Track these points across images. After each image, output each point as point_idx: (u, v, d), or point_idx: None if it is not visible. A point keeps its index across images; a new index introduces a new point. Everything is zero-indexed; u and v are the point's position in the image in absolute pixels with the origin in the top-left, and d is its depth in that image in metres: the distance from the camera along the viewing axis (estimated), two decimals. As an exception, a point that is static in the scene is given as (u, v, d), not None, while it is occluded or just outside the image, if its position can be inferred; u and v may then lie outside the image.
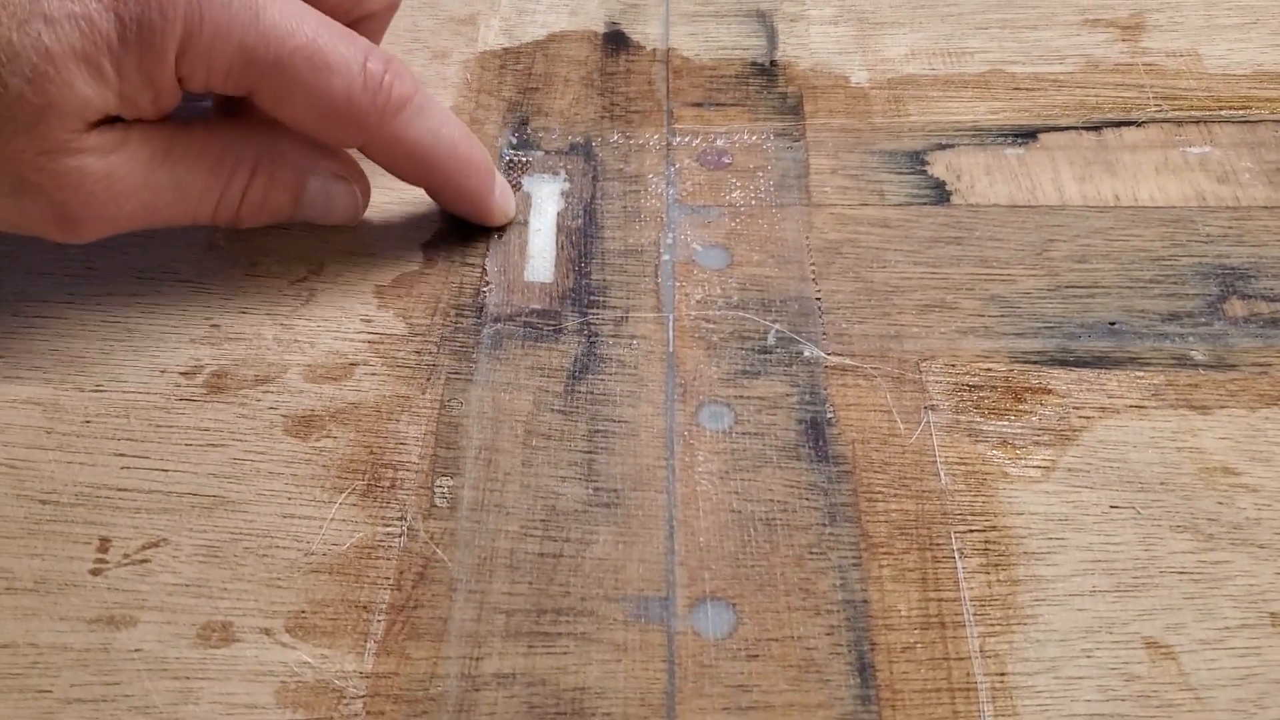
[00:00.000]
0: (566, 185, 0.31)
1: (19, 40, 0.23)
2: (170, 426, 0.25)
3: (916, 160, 0.32)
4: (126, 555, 0.23)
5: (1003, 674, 0.22)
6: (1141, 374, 0.27)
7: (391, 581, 0.23)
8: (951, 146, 0.33)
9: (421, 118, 0.27)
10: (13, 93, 0.23)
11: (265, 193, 0.27)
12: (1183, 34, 0.37)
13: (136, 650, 0.22)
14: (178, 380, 0.26)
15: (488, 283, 0.29)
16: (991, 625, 0.23)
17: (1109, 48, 0.36)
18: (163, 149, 0.25)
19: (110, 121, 0.25)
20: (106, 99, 0.24)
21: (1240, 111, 0.34)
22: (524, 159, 0.32)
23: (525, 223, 0.30)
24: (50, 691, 0.21)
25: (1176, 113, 0.34)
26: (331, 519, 0.24)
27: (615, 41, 0.36)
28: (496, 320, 0.28)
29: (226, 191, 0.27)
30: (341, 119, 0.26)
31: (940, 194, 0.31)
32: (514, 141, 0.33)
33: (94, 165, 0.24)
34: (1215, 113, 0.34)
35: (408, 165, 0.28)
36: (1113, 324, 0.28)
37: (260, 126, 0.27)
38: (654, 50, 0.36)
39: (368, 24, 0.29)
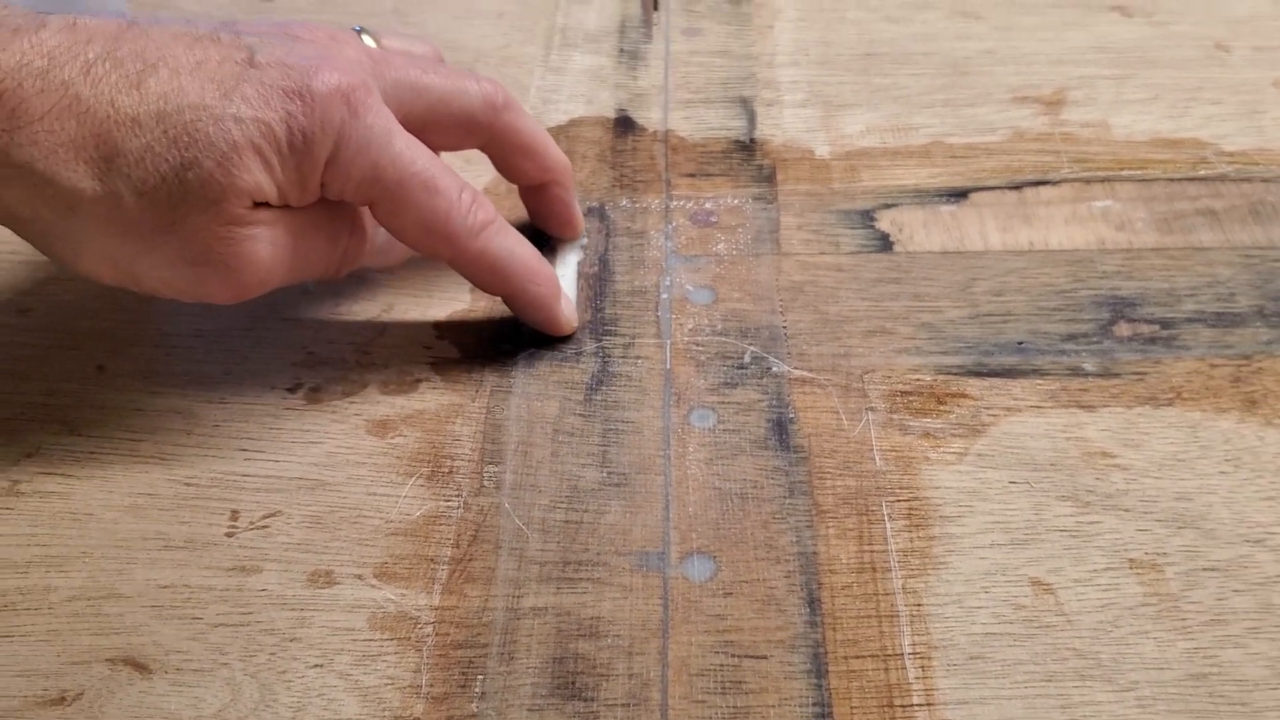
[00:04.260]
0: (585, 240, 0.39)
1: (214, 133, 0.28)
2: (279, 429, 0.33)
3: (866, 217, 0.40)
4: (251, 522, 0.30)
5: (919, 605, 0.29)
6: (1041, 381, 0.34)
7: (451, 541, 0.30)
8: (896, 205, 0.40)
9: (499, 237, 0.33)
10: (205, 173, 0.28)
11: (356, 250, 0.33)
12: (1096, 108, 0.44)
13: (263, 590, 0.29)
14: (283, 394, 0.33)
15: (522, 318, 0.36)
16: (912, 570, 0.30)
17: (1033, 120, 0.43)
18: (298, 226, 0.31)
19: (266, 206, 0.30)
20: (269, 188, 0.29)
21: (1139, 171, 0.41)
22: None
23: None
24: (201, 618, 0.28)
25: (1086, 173, 0.41)
26: (404, 496, 0.31)
27: (624, 125, 0.44)
28: (530, 346, 0.35)
29: (334, 253, 0.33)
30: (440, 234, 0.32)
31: (885, 244, 0.39)
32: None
33: (262, 236, 0.30)
34: (1118, 173, 0.41)
35: (489, 275, 0.33)
36: (1020, 344, 0.35)
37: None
38: (655, 131, 0.44)
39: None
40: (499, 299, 0.35)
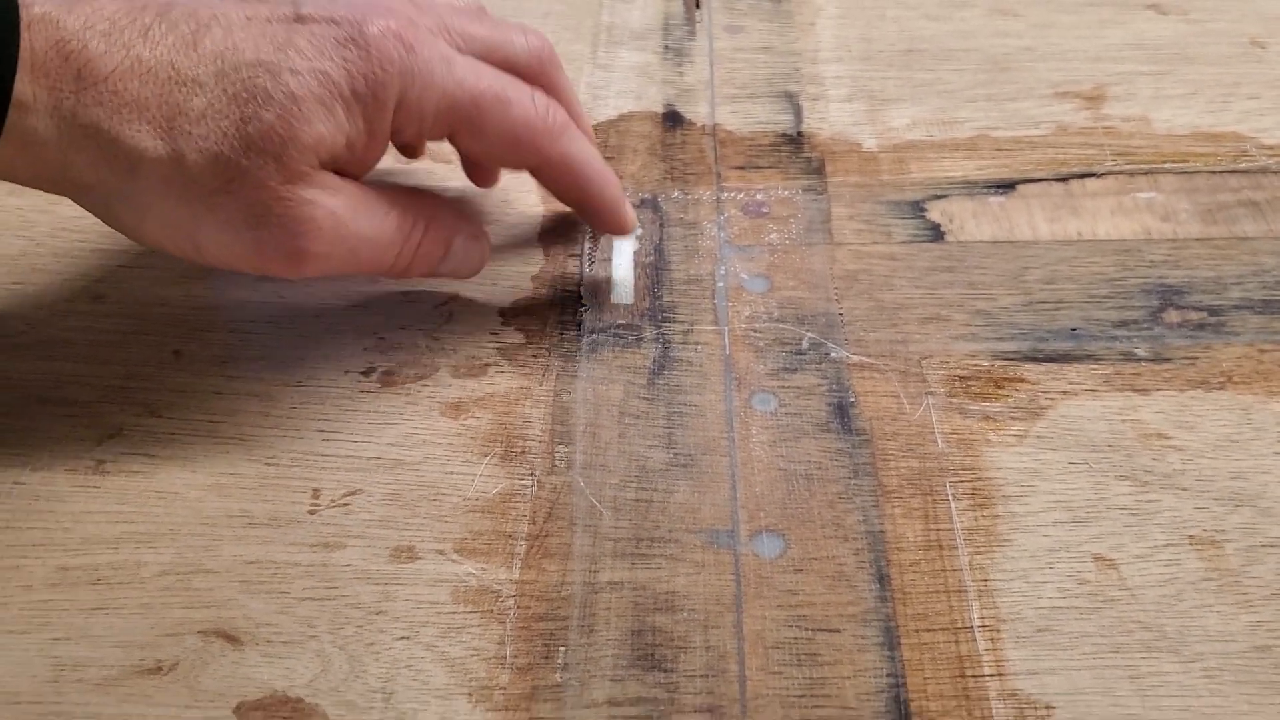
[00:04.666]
0: (640, 231, 0.40)
1: (272, 87, 0.29)
2: (355, 410, 0.33)
3: (917, 208, 0.40)
4: (333, 500, 0.31)
5: (986, 580, 0.30)
6: (1096, 366, 0.35)
7: (528, 517, 0.31)
8: (945, 196, 0.41)
9: (577, 141, 0.34)
10: (265, 125, 0.29)
11: (430, 247, 0.33)
12: (1136, 103, 0.45)
13: (347, 565, 0.30)
14: (358, 378, 0.34)
15: (584, 305, 0.37)
16: (978, 547, 0.31)
17: (1075, 115, 0.44)
18: (367, 202, 0.31)
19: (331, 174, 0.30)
20: (336, 139, 0.29)
21: (1181, 164, 0.42)
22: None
23: (609, 259, 0.38)
24: (288, 592, 0.29)
25: (1129, 166, 0.42)
26: (480, 474, 0.32)
27: (672, 119, 0.45)
28: (592, 332, 0.36)
29: (405, 245, 0.32)
30: (525, 142, 0.32)
31: (936, 234, 0.39)
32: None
33: (324, 201, 0.30)
34: (1160, 165, 0.42)
35: (569, 179, 0.34)
36: (1074, 330, 0.36)
37: (425, 194, 0.34)
38: (704, 126, 0.44)
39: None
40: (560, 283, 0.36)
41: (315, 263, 0.30)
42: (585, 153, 0.35)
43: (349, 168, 0.31)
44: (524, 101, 0.33)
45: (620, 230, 0.37)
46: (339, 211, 0.30)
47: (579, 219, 0.39)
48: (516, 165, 0.35)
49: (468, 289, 0.37)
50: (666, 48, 0.48)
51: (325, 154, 0.30)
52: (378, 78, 0.30)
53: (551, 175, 0.35)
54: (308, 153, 0.29)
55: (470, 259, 0.35)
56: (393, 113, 0.31)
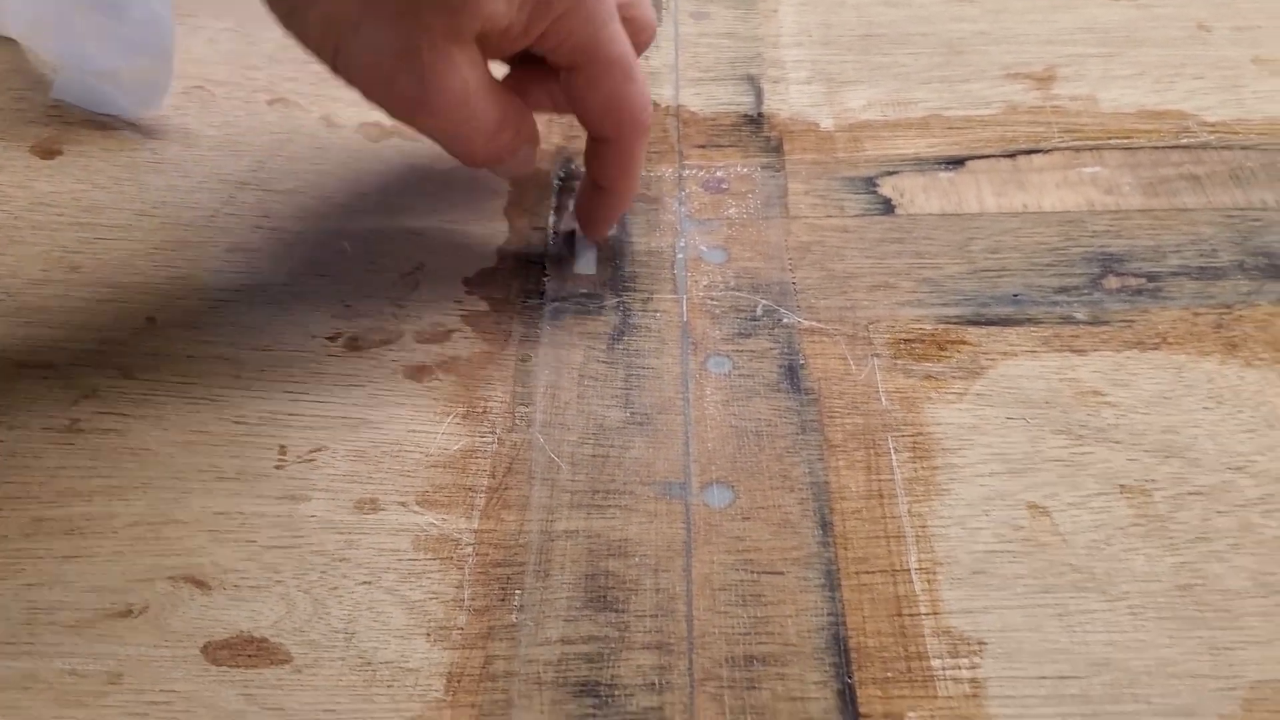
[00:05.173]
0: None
1: None
2: (322, 373, 0.35)
3: (869, 184, 0.42)
4: (299, 456, 0.32)
5: (924, 526, 0.31)
6: (1035, 329, 0.36)
7: (488, 472, 0.32)
8: (897, 173, 0.42)
9: (645, 146, 0.36)
10: None
11: (512, 146, 0.34)
12: (1085, 83, 0.46)
13: (312, 516, 0.31)
14: (324, 343, 0.35)
15: (547, 275, 0.38)
16: (916, 496, 0.32)
17: (1025, 95, 0.46)
18: (492, 88, 0.32)
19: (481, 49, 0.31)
20: (502, 20, 0.30)
21: (1125, 140, 0.43)
22: (570, 186, 0.42)
23: (573, 231, 0.40)
24: (255, 541, 0.30)
25: (1076, 142, 0.43)
26: (442, 432, 0.33)
27: (636, 100, 0.46)
28: (555, 300, 0.37)
29: (497, 139, 0.33)
30: (617, 120, 0.34)
31: (887, 207, 0.41)
32: (562, 175, 0.42)
33: (464, 69, 0.31)
34: (1106, 142, 0.43)
35: (620, 170, 0.36)
36: (1016, 295, 0.38)
37: (516, 98, 0.34)
38: (668, 107, 0.46)
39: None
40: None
41: (427, 119, 0.31)
42: (642, 160, 0.37)
43: (489, 49, 0.32)
44: (643, 87, 0.35)
45: (599, 233, 0.39)
46: (470, 84, 0.31)
47: (542, 193, 0.40)
48: (594, 128, 0.36)
49: (433, 259, 0.38)
50: (632, 33, 0.49)
51: (488, 27, 0.31)
52: None
53: (610, 158, 0.36)
54: (477, 19, 0.30)
55: (526, 165, 0.36)
56: (549, 24, 0.32)
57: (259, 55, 0.46)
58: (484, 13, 0.30)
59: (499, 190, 0.41)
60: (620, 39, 0.34)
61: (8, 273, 0.37)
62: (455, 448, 0.33)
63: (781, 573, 0.30)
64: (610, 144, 0.36)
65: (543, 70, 0.35)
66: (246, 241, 0.39)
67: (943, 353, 0.36)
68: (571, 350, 0.36)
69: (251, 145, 0.43)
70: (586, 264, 0.39)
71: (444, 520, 0.31)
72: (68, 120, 0.43)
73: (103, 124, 0.43)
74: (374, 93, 0.31)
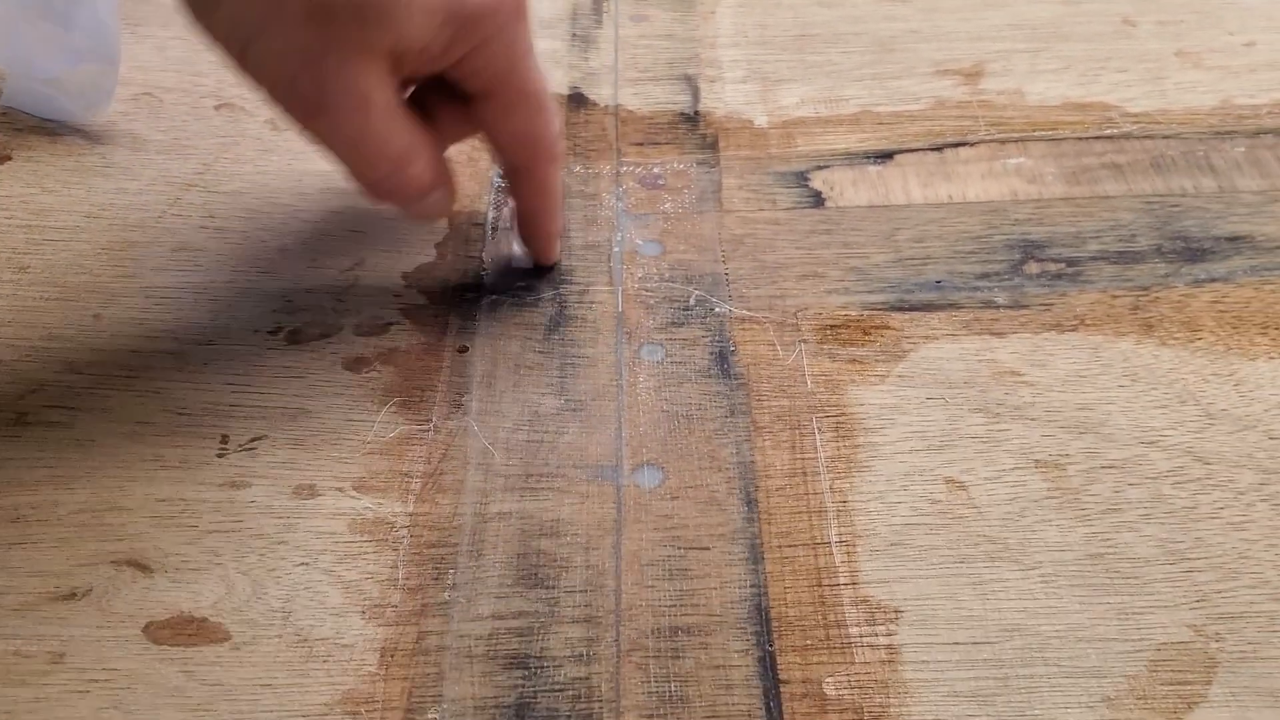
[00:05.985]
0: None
1: None
2: (263, 365, 0.35)
3: (801, 178, 0.43)
4: (240, 445, 0.33)
5: (845, 501, 0.32)
6: (957, 314, 0.38)
7: (424, 458, 0.33)
8: (827, 167, 0.44)
9: (560, 173, 0.37)
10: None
11: (417, 184, 0.33)
12: (1012, 78, 0.48)
13: (252, 502, 0.32)
14: (265, 336, 0.36)
15: (485, 269, 0.39)
16: (838, 473, 0.33)
17: (954, 90, 0.47)
18: (396, 109, 0.31)
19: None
20: (418, 39, 0.30)
21: (1050, 132, 0.45)
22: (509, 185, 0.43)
23: (511, 228, 0.41)
24: (196, 526, 0.31)
25: (1001, 134, 0.45)
26: (379, 421, 0.34)
27: (577, 100, 0.47)
28: (492, 293, 0.39)
29: (398, 168, 0.32)
30: (533, 149, 0.35)
31: (817, 200, 0.42)
32: (501, 173, 0.43)
33: (368, 83, 0.30)
34: (1030, 134, 0.45)
35: (539, 202, 0.37)
36: (938, 282, 0.39)
37: (432, 136, 0.33)
38: (606, 106, 0.47)
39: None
40: (452, 252, 0.38)
41: (325, 128, 0.31)
42: (561, 185, 0.38)
43: (402, 68, 0.31)
44: (552, 122, 0.35)
45: (545, 259, 0.39)
46: (372, 99, 0.30)
47: (483, 191, 0.41)
48: (506, 156, 0.36)
49: (373, 256, 0.39)
50: (574, 35, 0.51)
51: (402, 45, 0.30)
52: (483, 15, 0.31)
53: (528, 190, 0.37)
54: (390, 34, 0.30)
55: (440, 209, 0.35)
56: (469, 48, 0.32)
57: (206, 62, 0.47)
58: (399, 29, 0.30)
59: (440, 188, 0.42)
60: (537, 72, 0.34)
61: (-45, 274, 0.38)
62: (392, 435, 0.34)
63: (707, 548, 0.31)
64: (523, 172, 0.37)
65: (447, 95, 0.34)
66: (192, 241, 0.39)
67: (867, 337, 0.37)
68: (508, 341, 0.37)
69: (198, 149, 0.44)
70: (525, 259, 0.40)
71: (380, 504, 0.32)
72: (17, 126, 0.44)
73: (51, 130, 0.44)
74: (277, 93, 0.31)
